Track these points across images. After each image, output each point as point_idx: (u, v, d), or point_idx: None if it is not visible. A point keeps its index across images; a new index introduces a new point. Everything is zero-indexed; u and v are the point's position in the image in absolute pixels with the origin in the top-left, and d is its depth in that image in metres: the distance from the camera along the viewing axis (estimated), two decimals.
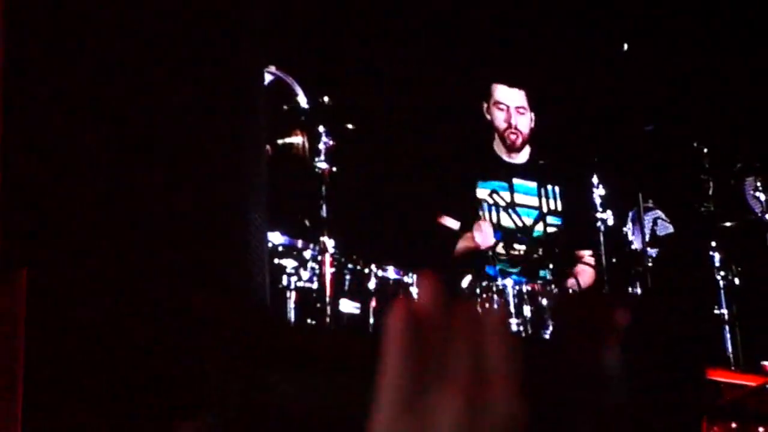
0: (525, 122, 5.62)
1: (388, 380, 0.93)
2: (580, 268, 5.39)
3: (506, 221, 5.51)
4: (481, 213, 5.51)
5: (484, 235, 5.29)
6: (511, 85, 5.61)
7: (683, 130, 5.86)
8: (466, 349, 0.93)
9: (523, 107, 5.60)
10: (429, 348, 0.93)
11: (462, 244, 5.44)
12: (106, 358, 2.36)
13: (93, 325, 2.36)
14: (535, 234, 5.49)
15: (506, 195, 5.55)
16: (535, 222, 5.49)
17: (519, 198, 5.58)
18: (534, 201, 5.58)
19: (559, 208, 5.58)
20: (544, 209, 5.56)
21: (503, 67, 5.97)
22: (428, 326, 0.94)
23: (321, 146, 4.68)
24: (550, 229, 5.53)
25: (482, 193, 5.58)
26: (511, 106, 5.60)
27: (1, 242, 2.27)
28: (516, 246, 5.45)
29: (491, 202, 5.52)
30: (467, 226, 5.46)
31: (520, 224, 5.49)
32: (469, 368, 0.92)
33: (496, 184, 5.59)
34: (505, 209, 5.50)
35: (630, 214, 5.48)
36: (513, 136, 5.61)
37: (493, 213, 5.54)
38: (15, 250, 2.28)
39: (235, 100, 2.95)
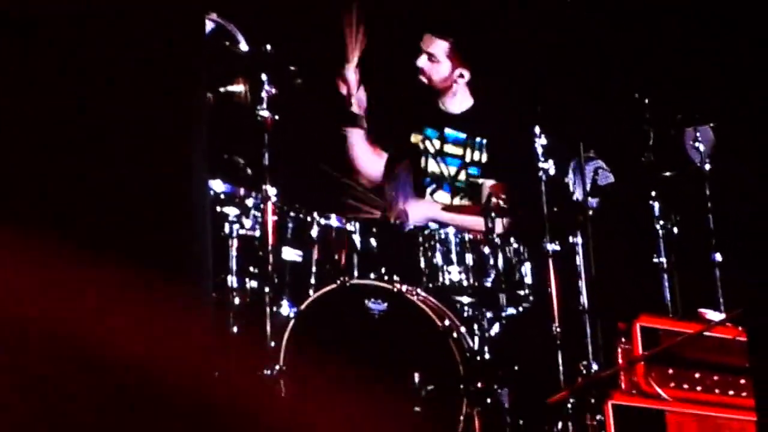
0: (436, 69, 5.65)
1: None
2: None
3: (433, 168, 5.60)
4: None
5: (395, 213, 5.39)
6: (434, 34, 5.64)
7: (625, 81, 5.89)
8: None
9: (434, 56, 5.64)
10: None
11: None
12: (47, 307, 2.36)
13: (36, 280, 2.35)
14: (458, 184, 5.60)
15: (437, 143, 5.63)
16: (458, 171, 5.59)
17: (448, 147, 5.66)
18: (460, 151, 5.66)
19: (483, 160, 5.63)
20: (467, 159, 5.63)
21: (434, 16, 5.95)
22: None
23: (263, 95, 4.66)
24: (471, 180, 5.61)
25: (416, 138, 5.67)
26: (424, 50, 5.65)
27: None
28: (441, 193, 5.55)
29: (422, 147, 5.62)
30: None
31: (445, 173, 5.58)
32: None
33: (429, 131, 5.66)
34: (434, 156, 5.61)
35: (571, 163, 5.51)
36: (420, 78, 5.67)
37: (422, 159, 5.62)
38: None
39: (175, 47, 2.93)
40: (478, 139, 5.69)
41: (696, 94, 5.94)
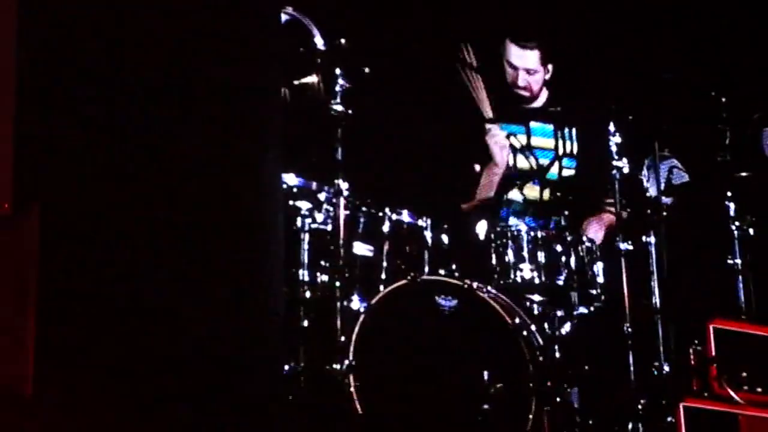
0: (535, 80, 5.60)
1: None
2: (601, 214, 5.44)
3: (522, 163, 5.53)
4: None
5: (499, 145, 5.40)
6: (524, 46, 5.55)
7: (701, 79, 5.83)
8: None
9: (533, 69, 5.57)
10: None
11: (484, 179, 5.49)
12: (118, 294, 2.38)
13: (105, 260, 2.38)
14: (549, 176, 5.52)
15: (522, 138, 5.56)
16: (551, 163, 5.52)
17: (535, 140, 5.60)
18: (550, 143, 5.60)
19: (575, 151, 5.59)
20: (560, 151, 5.58)
21: (518, 21, 5.89)
22: None
23: (337, 88, 4.67)
24: (565, 172, 5.55)
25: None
26: (520, 68, 5.57)
27: (15, 177, 2.28)
28: (530, 187, 5.50)
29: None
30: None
31: (535, 166, 5.52)
32: None
33: (513, 127, 5.60)
34: (522, 151, 5.52)
35: (646, 162, 5.47)
36: (520, 93, 5.60)
37: (510, 155, 5.56)
38: (28, 184, 2.30)
39: (251, 41, 2.95)
40: (566, 130, 5.64)
41: None
